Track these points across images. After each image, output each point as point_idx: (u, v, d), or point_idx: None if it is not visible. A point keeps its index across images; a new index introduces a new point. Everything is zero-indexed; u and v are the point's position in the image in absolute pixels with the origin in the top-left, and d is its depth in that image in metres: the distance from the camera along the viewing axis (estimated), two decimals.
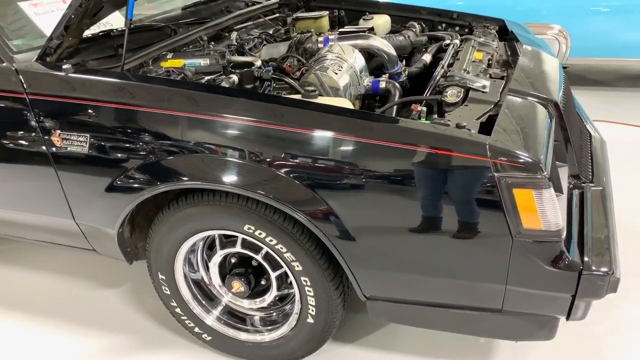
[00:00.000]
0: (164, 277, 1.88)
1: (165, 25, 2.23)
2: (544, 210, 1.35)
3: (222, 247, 1.83)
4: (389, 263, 1.54)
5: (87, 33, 1.91)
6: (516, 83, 1.80)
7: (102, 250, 2.01)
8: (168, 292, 1.91)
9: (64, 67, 1.68)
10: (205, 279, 1.94)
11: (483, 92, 1.79)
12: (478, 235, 1.42)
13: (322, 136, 1.48)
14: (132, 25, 2.12)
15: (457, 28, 2.88)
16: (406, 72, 2.33)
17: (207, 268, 1.92)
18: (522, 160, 1.35)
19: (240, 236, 1.73)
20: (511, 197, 1.35)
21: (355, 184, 1.47)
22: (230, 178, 1.54)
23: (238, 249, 1.79)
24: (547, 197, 1.34)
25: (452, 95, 1.78)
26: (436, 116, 1.87)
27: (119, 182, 1.69)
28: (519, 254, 1.40)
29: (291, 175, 1.50)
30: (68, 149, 1.71)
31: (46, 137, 1.72)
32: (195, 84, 1.72)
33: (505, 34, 2.73)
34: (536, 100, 1.71)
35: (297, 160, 1.49)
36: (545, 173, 1.35)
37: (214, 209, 1.65)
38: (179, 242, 1.79)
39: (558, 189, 1.67)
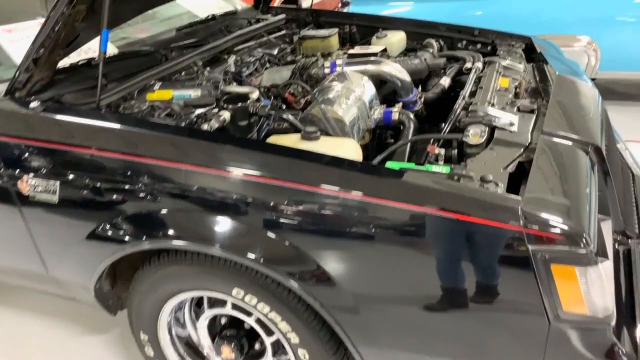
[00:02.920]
0: (146, 337, 1.68)
1: (155, 50, 2.02)
2: (589, 291, 1.11)
3: (211, 307, 1.62)
4: (400, 342, 1.31)
5: (65, 62, 1.72)
6: (550, 121, 1.54)
7: (83, 300, 1.81)
8: (151, 355, 1.70)
9: (32, 105, 1.49)
10: (194, 337, 1.73)
11: (511, 131, 1.55)
12: (506, 317, 1.19)
13: (319, 193, 1.25)
14: (119, 52, 1.94)
15: (478, 46, 2.63)
16: (422, 99, 2.09)
17: (195, 325, 1.70)
18: (562, 231, 1.11)
19: (230, 299, 1.51)
20: (549, 274, 1.11)
21: (357, 249, 1.25)
22: (215, 239, 1.33)
23: (228, 310, 1.57)
24: (594, 276, 1.10)
25: (474, 135, 1.54)
26: (455, 152, 1.66)
27: (94, 236, 1.49)
28: (557, 343, 1.15)
29: (284, 237, 1.28)
30: (37, 197, 1.51)
31: (13, 183, 1.53)
32: (176, 128, 1.51)
33: (532, 52, 2.47)
34: (575, 144, 1.46)
35: (290, 220, 1.28)
36: (592, 247, 1.10)
37: (199, 269, 1.44)
38: (161, 301, 1.58)
39: (602, 254, 1.41)
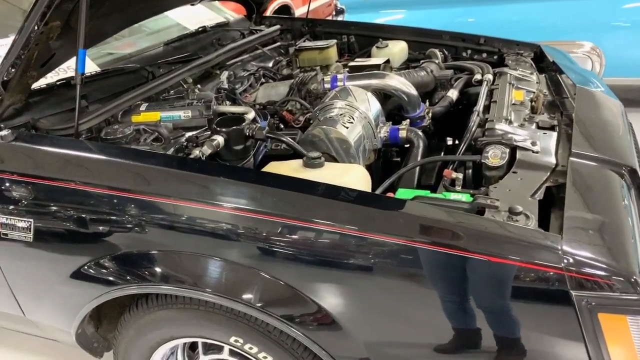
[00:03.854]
0: None
1: (141, 67, 1.86)
2: None
3: (206, 352, 1.45)
4: None
5: (41, 82, 1.56)
6: (578, 140, 1.40)
7: (66, 342, 1.65)
8: None
9: (1, 133, 1.33)
10: None
11: (534, 152, 1.40)
12: None
13: (322, 230, 1.10)
14: (101, 70, 1.79)
15: (484, 55, 2.50)
16: (430, 114, 1.95)
17: None
18: (610, 274, 0.96)
19: (227, 346, 1.35)
20: (595, 325, 0.96)
21: (367, 291, 1.11)
22: (207, 282, 1.18)
23: (225, 356, 1.41)
24: None
25: (494, 157, 1.40)
26: (470, 173, 1.52)
27: (73, 279, 1.34)
28: None
29: (284, 279, 1.14)
30: (9, 235, 1.35)
31: None
32: (163, 157, 1.35)
33: (541, 61, 2.33)
34: (608, 166, 1.31)
35: (291, 260, 1.13)
36: None
37: (191, 314, 1.28)
38: (150, 349, 1.42)
39: None
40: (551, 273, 0.97)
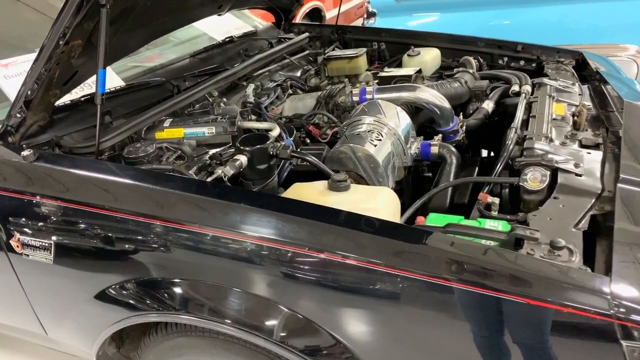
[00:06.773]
0: None
1: (166, 80, 1.83)
2: None
3: None
4: None
5: (65, 98, 1.54)
6: (627, 163, 1.29)
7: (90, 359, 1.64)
8: None
9: (23, 153, 1.31)
10: None
11: (577, 174, 1.30)
12: None
13: (344, 264, 1.03)
14: (126, 84, 1.76)
15: (522, 62, 2.38)
16: (463, 128, 1.86)
17: None
18: None
19: None
20: None
21: (394, 331, 1.05)
22: (226, 313, 1.14)
23: None
24: None
25: (534, 180, 1.31)
26: (507, 192, 1.43)
27: (95, 301, 1.31)
28: None
29: (304, 313, 1.08)
30: (30, 256, 1.33)
31: (5, 240, 1.35)
32: (182, 181, 1.30)
33: (583, 69, 2.20)
34: None
35: (312, 294, 1.08)
36: None
37: (210, 343, 1.24)
38: None
39: None
40: (598, 320, 0.88)
